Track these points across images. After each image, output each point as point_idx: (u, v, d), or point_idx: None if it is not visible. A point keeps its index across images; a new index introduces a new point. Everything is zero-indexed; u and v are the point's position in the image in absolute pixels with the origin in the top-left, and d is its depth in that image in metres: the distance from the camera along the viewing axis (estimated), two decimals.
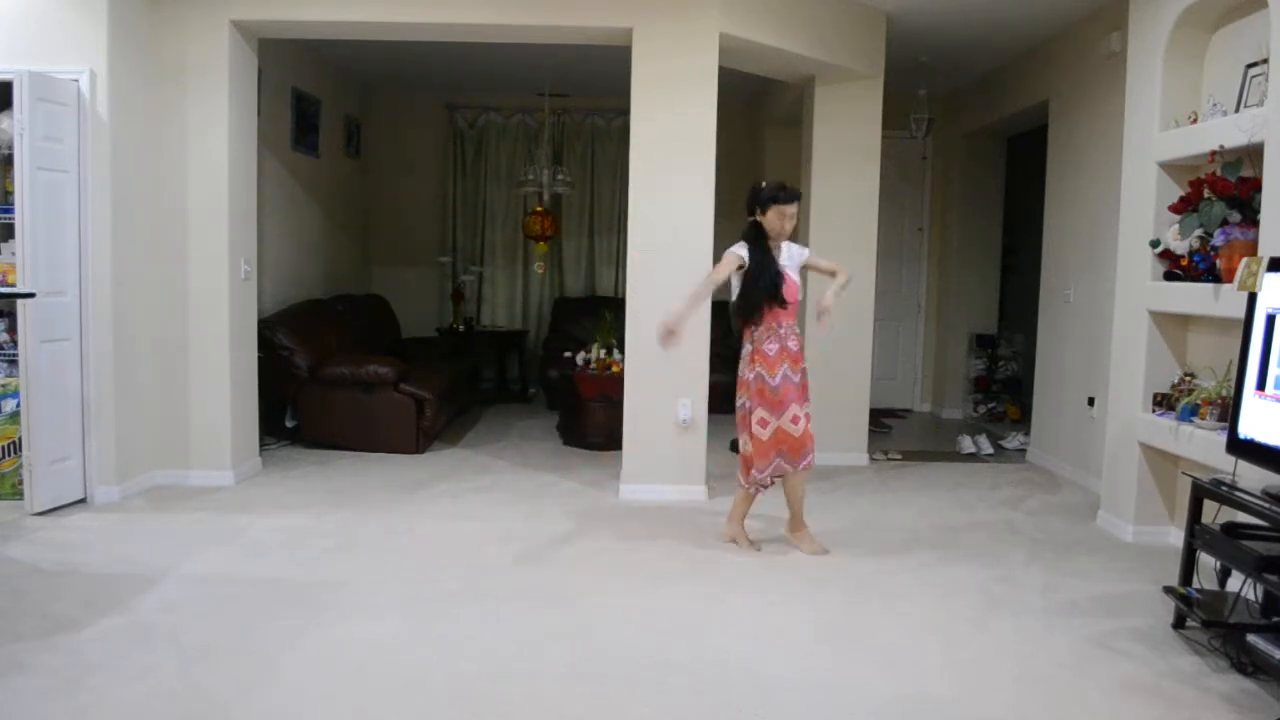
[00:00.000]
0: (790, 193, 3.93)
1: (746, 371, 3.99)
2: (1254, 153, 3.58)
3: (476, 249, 8.47)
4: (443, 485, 5.13)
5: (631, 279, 4.96)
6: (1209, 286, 3.76)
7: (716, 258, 4.95)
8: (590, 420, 6.14)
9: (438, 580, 3.63)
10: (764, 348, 3.94)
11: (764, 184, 4.01)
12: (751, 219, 3.99)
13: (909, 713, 2.65)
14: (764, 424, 3.94)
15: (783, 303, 3.92)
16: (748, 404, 3.98)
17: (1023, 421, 6.90)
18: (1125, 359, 4.41)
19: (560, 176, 7.58)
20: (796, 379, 3.96)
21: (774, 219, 3.91)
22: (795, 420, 3.94)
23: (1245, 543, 2.94)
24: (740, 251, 3.93)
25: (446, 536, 4.21)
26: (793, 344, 3.96)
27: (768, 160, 7.76)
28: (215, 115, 4.82)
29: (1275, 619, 2.95)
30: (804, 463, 3.98)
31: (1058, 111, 5.87)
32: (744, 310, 3.96)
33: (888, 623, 3.31)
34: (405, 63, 7.06)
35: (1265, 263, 3.15)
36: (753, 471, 3.99)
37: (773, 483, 4.04)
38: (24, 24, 4.41)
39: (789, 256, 4.02)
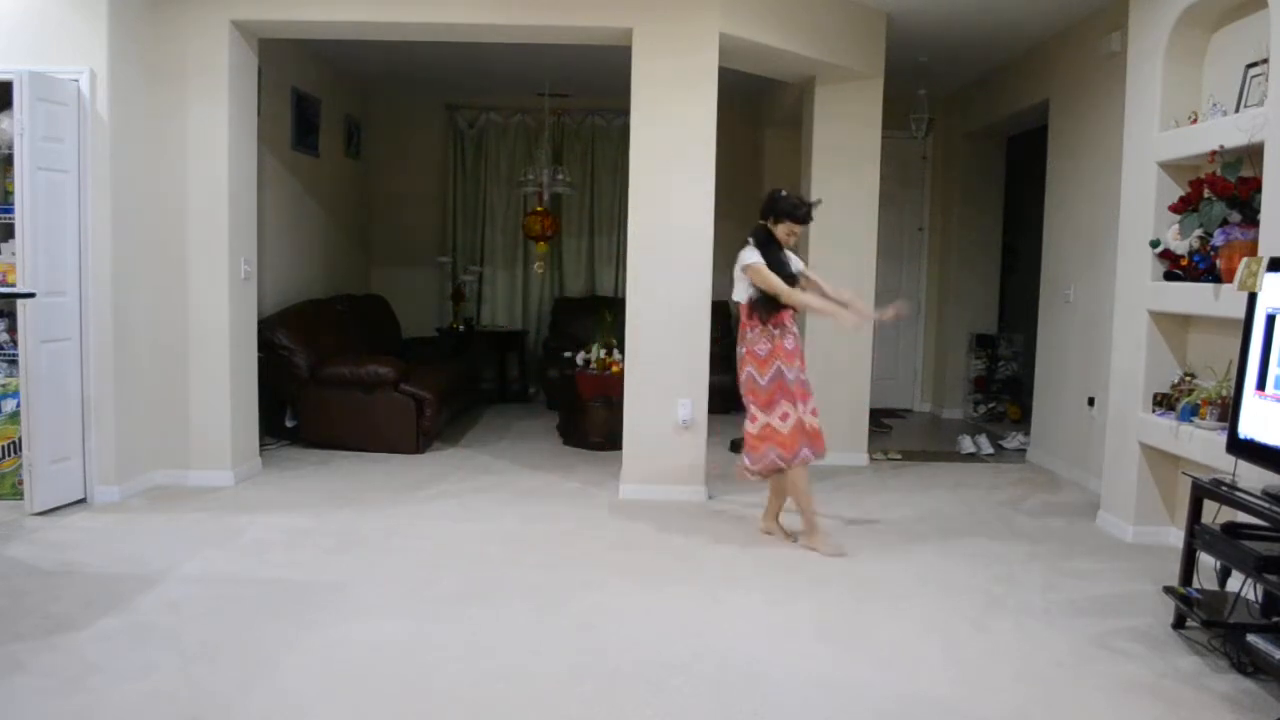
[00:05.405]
0: (808, 214, 4.07)
1: (762, 367, 4.04)
2: (1254, 153, 3.58)
3: (476, 249, 8.46)
4: (443, 485, 5.14)
5: (632, 279, 4.96)
6: (1209, 286, 3.76)
7: (717, 258, 4.98)
8: (590, 420, 6.13)
9: (438, 580, 3.63)
10: (756, 348, 4.03)
11: (784, 193, 4.10)
12: (763, 222, 4.07)
13: (909, 713, 2.65)
14: (756, 420, 4.05)
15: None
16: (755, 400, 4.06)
17: (1023, 421, 6.90)
18: (1125, 359, 4.41)
19: (560, 176, 7.57)
20: (791, 376, 4.03)
21: (784, 233, 4.05)
22: (785, 418, 4.01)
23: (1245, 543, 2.94)
24: (757, 259, 4.00)
25: (446, 536, 4.21)
26: (789, 343, 4.03)
27: (767, 160, 7.76)
28: (215, 115, 4.81)
29: (1275, 619, 2.95)
30: (798, 457, 4.05)
31: (1058, 111, 5.86)
32: (769, 308, 4.01)
33: (888, 622, 3.32)
34: (405, 63, 7.05)
35: (1265, 263, 3.15)
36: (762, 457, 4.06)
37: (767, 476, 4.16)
38: (24, 24, 4.41)
39: (795, 263, 4.16)
